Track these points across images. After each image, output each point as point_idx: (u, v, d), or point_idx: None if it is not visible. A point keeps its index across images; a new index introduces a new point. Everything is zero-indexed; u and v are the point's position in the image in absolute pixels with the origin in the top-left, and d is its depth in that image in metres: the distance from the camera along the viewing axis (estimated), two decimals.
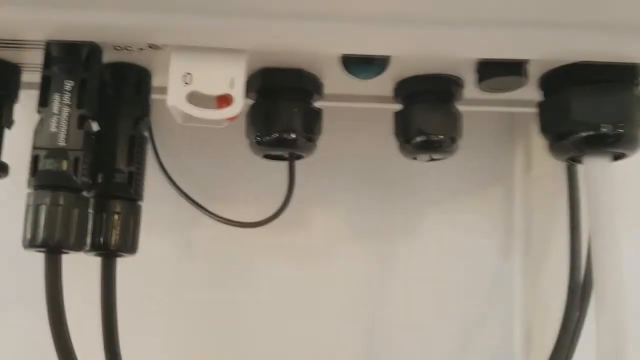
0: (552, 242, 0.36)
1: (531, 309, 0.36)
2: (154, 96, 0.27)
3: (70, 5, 0.20)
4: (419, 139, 0.26)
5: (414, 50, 0.23)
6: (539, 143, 0.37)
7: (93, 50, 0.24)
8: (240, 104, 0.23)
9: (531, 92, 0.27)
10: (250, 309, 0.36)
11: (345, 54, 0.24)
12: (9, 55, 0.25)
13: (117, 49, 0.24)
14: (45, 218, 0.22)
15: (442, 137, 0.26)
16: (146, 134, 0.26)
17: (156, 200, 0.35)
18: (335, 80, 0.27)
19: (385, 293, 0.37)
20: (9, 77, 0.26)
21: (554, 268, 0.35)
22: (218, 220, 0.33)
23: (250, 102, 0.27)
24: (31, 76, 0.26)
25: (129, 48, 0.24)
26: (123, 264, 0.34)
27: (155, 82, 0.27)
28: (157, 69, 0.26)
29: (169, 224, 0.36)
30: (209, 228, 0.35)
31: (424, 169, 0.37)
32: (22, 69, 0.26)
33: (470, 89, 0.27)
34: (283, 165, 0.28)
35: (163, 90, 0.24)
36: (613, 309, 0.25)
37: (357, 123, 0.36)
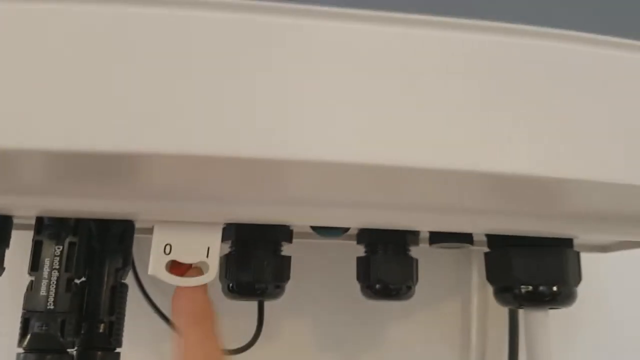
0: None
1: None
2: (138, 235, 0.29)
3: (55, 193, 0.23)
4: (378, 286, 0.29)
5: (372, 225, 0.26)
6: None
7: (80, 218, 0.26)
8: (214, 271, 0.25)
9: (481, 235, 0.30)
10: None
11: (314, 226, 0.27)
12: (1, 208, 0.27)
13: None
14: None
15: (399, 286, 0.29)
16: (125, 281, 0.29)
17: (133, 312, 0.37)
18: (302, 228, 0.30)
19: None
20: (1, 229, 0.28)
21: None
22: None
23: (225, 250, 0.29)
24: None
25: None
26: None
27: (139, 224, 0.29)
28: (140, 218, 0.29)
29: (144, 336, 0.38)
30: None
31: None
32: (13, 217, 0.29)
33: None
34: None
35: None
36: None
37: (324, 248, 0.39)
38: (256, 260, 0.28)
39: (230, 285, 0.28)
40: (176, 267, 0.25)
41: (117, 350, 0.28)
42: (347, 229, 0.27)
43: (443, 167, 0.20)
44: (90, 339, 0.27)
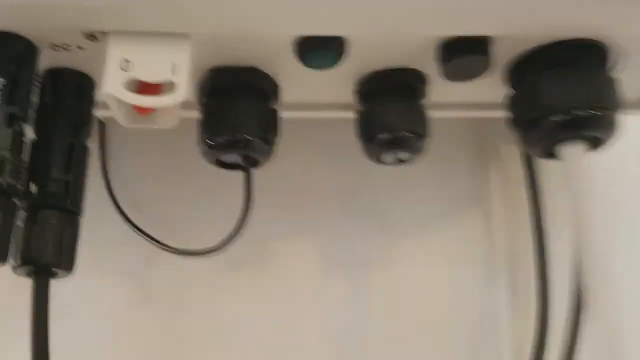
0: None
1: (520, 335, 0.33)
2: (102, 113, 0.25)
3: None
4: (382, 136, 0.25)
5: (371, 28, 0.22)
6: (512, 160, 0.36)
7: (27, 47, 0.22)
8: (183, 90, 0.21)
9: (499, 93, 0.26)
10: (213, 355, 0.32)
11: (298, 41, 0.23)
12: None
13: (55, 49, 0.23)
14: None
15: (407, 133, 0.25)
16: (89, 148, 0.24)
17: (108, 238, 0.32)
18: (290, 83, 0.26)
19: (366, 330, 0.34)
20: None
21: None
22: (162, 248, 0.30)
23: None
24: None
25: (67, 47, 0.23)
26: (72, 308, 0.31)
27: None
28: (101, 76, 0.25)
29: (122, 264, 0.33)
30: (166, 268, 0.33)
31: (397, 194, 0.35)
32: None
33: (436, 90, 0.26)
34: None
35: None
36: (606, 314, 0.22)
37: (324, 145, 0.35)
38: (236, 104, 0.24)
39: (208, 139, 0.24)
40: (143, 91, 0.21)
41: (78, 216, 0.23)
42: (338, 51, 0.23)
43: None
44: (41, 196, 0.22)
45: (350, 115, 0.27)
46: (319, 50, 0.23)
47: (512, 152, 0.35)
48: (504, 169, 0.37)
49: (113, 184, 0.33)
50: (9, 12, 0.20)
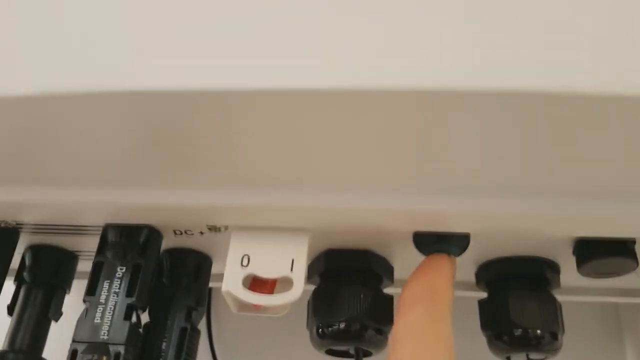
0: None
1: None
2: (214, 284, 0.25)
3: (130, 185, 0.20)
4: (514, 333, 0.22)
5: (498, 228, 0.20)
6: None
7: (151, 234, 0.23)
8: (300, 288, 0.20)
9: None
10: None
11: (416, 234, 0.21)
12: (66, 241, 0.24)
13: (177, 234, 0.23)
14: None
15: (543, 332, 0.22)
16: (201, 327, 0.24)
17: None
18: (406, 263, 0.24)
19: None
20: (64, 266, 0.25)
21: None
22: None
23: (313, 288, 0.24)
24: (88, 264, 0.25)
25: (189, 232, 0.23)
26: None
27: (215, 268, 0.25)
28: (218, 254, 0.25)
29: None
30: None
31: None
32: (79, 256, 0.26)
33: (567, 274, 0.24)
34: None
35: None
36: None
37: None
38: (350, 291, 0.23)
39: (320, 326, 0.23)
40: (257, 286, 0.21)
41: None
42: (461, 246, 0.21)
43: None
44: None
45: (468, 294, 0.25)
46: (439, 245, 0.21)
47: None
48: None
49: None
50: (141, 210, 0.21)
